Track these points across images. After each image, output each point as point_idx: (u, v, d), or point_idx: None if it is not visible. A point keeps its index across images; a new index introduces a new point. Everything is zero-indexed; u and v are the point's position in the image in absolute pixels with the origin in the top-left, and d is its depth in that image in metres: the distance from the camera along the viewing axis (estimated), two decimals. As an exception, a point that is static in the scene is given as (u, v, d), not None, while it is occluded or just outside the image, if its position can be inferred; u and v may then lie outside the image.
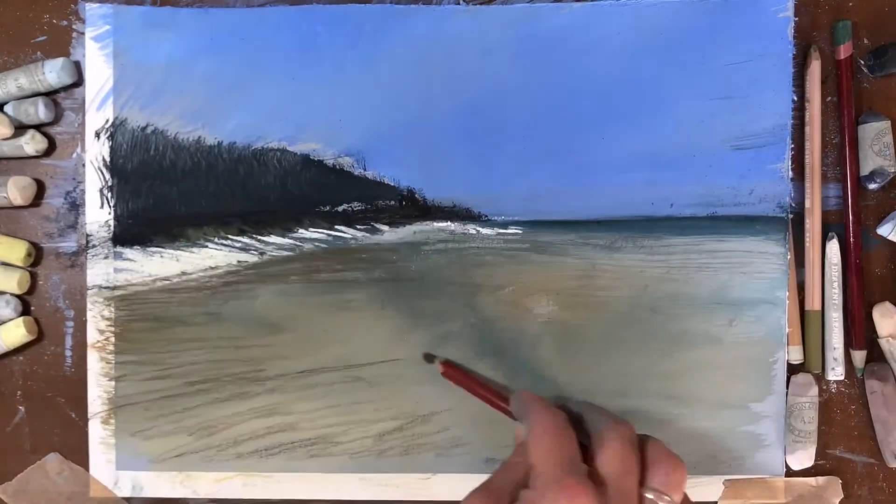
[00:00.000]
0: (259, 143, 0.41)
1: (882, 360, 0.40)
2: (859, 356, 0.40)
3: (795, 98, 0.40)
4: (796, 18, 0.40)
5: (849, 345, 0.40)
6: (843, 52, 0.39)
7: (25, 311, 0.42)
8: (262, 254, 0.41)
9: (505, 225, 0.41)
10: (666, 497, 0.31)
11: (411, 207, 0.41)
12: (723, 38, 0.40)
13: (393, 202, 0.41)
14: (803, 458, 0.40)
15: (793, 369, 0.41)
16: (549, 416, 0.33)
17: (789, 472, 0.41)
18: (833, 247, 0.40)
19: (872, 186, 0.40)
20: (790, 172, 0.40)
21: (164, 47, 0.41)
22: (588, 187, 0.40)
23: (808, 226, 0.40)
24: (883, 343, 0.40)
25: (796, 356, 0.40)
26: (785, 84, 0.40)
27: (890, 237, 0.39)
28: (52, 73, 0.40)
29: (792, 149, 0.40)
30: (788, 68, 0.40)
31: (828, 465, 0.41)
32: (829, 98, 0.40)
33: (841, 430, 0.41)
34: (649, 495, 0.31)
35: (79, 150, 0.42)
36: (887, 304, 0.40)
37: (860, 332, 0.40)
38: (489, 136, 0.40)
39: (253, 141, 0.41)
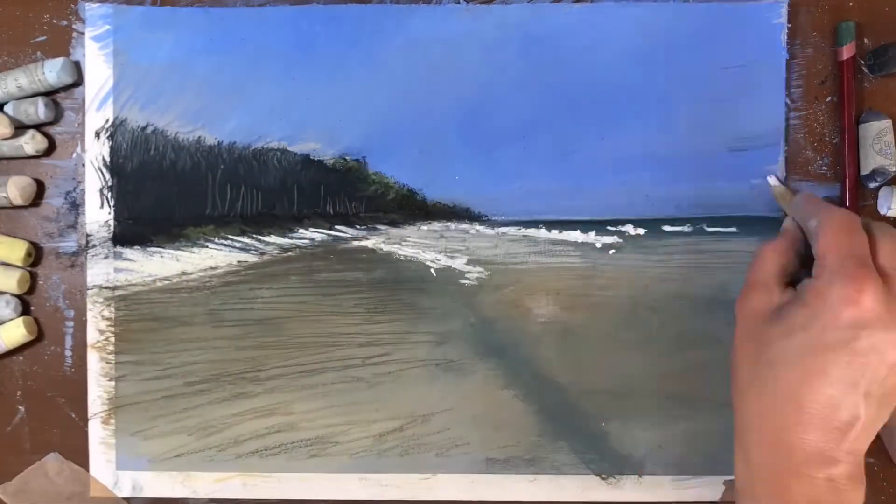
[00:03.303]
0: (259, 143, 0.41)
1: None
2: None
3: (794, 98, 0.40)
4: (795, 21, 0.40)
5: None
6: (846, 52, 0.40)
7: (25, 311, 0.42)
8: (262, 254, 0.41)
9: (505, 225, 0.41)
10: None
11: (411, 207, 0.41)
12: (719, 42, 0.40)
13: (393, 202, 0.41)
14: None
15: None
16: (845, 214, 0.32)
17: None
18: None
19: (873, 185, 0.40)
20: (785, 174, 0.40)
21: (164, 47, 0.41)
22: (587, 187, 0.40)
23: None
24: None
25: None
26: (779, 88, 0.40)
27: (893, 213, 0.39)
28: (52, 73, 0.40)
29: (786, 150, 0.40)
30: (782, 73, 0.40)
31: (828, 465, 0.41)
32: (829, 98, 0.41)
33: (841, 430, 0.41)
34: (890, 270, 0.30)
35: (79, 150, 0.42)
36: None
37: None
38: (489, 136, 0.40)
39: (253, 141, 0.41)
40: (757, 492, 0.32)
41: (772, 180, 0.39)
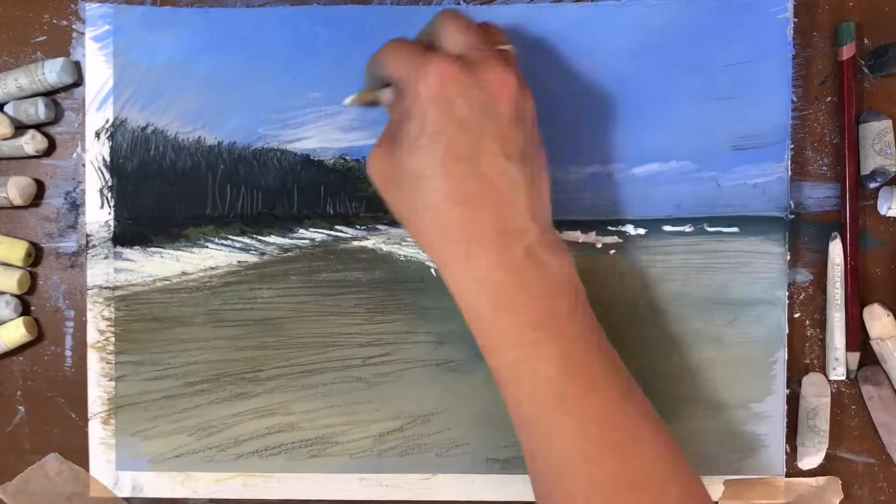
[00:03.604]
0: (259, 143, 0.41)
1: (875, 362, 0.40)
2: (852, 358, 0.40)
3: (794, 98, 0.40)
4: (796, 19, 0.40)
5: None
6: (846, 52, 0.39)
7: (25, 311, 0.42)
8: (262, 254, 0.41)
9: (505, 225, 0.41)
10: (508, 45, 0.33)
11: (411, 207, 0.41)
12: (723, 38, 0.40)
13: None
14: (818, 459, 0.40)
15: (805, 369, 0.41)
16: (386, 47, 0.34)
17: (790, 473, 0.41)
18: (836, 247, 0.40)
19: (873, 186, 0.40)
20: (790, 173, 0.40)
21: (164, 47, 0.41)
22: (588, 187, 0.40)
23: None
24: (874, 345, 0.40)
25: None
26: (784, 85, 0.40)
27: (893, 213, 0.39)
28: (52, 73, 0.40)
29: (791, 149, 0.40)
30: (788, 69, 0.40)
31: (828, 465, 0.41)
32: (830, 98, 0.40)
33: (842, 431, 0.41)
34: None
35: (79, 150, 0.42)
36: (876, 307, 0.40)
37: (854, 333, 0.40)
38: (489, 136, 0.40)
39: (253, 141, 0.41)
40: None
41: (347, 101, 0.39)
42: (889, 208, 0.39)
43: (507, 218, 0.31)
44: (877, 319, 0.39)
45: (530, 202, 0.32)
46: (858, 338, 0.40)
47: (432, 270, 0.41)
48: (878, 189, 0.40)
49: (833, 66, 0.40)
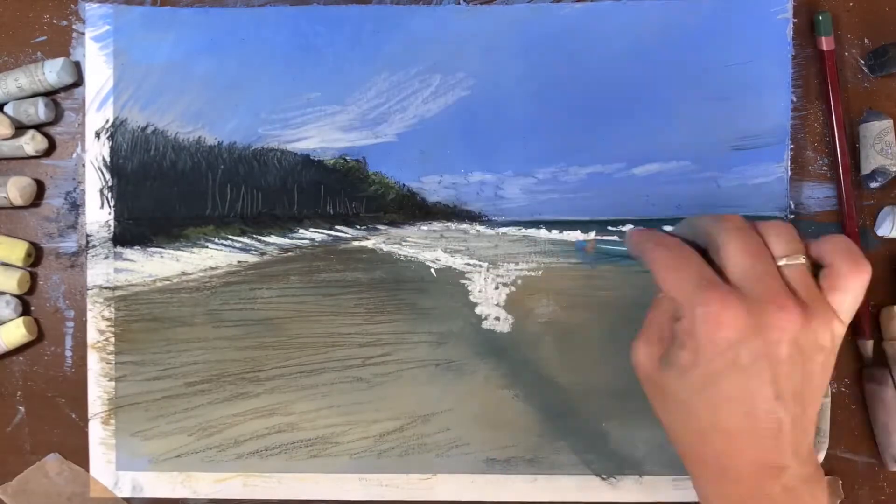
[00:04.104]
0: (259, 143, 0.41)
1: (880, 364, 0.40)
2: (866, 345, 0.40)
3: (794, 98, 0.40)
4: (795, 20, 0.40)
5: (854, 336, 0.40)
6: (826, 44, 0.39)
7: (25, 311, 0.42)
8: (262, 254, 0.41)
9: (505, 225, 0.41)
10: (799, 258, 0.31)
11: (411, 207, 0.41)
12: (722, 39, 0.40)
13: (393, 202, 0.41)
14: (818, 459, 0.40)
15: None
16: (663, 249, 0.32)
17: (789, 473, 0.41)
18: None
19: (874, 185, 0.40)
20: (789, 173, 0.40)
21: (164, 47, 0.41)
22: (588, 187, 0.40)
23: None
24: (887, 346, 0.40)
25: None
26: (784, 85, 0.40)
27: (892, 234, 0.39)
28: (52, 73, 0.40)
29: (791, 149, 0.40)
30: (788, 69, 0.40)
31: (828, 465, 0.41)
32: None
33: (842, 431, 0.41)
34: (781, 263, 0.31)
35: (79, 150, 0.42)
36: (895, 309, 0.40)
37: (867, 321, 0.40)
38: (489, 136, 0.40)
39: (253, 141, 0.41)
40: None
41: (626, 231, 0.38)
42: (892, 230, 0.39)
43: (767, 452, 0.30)
44: (894, 320, 0.39)
45: (794, 438, 0.30)
46: (871, 326, 0.40)
47: (432, 271, 0.41)
48: (878, 188, 0.40)
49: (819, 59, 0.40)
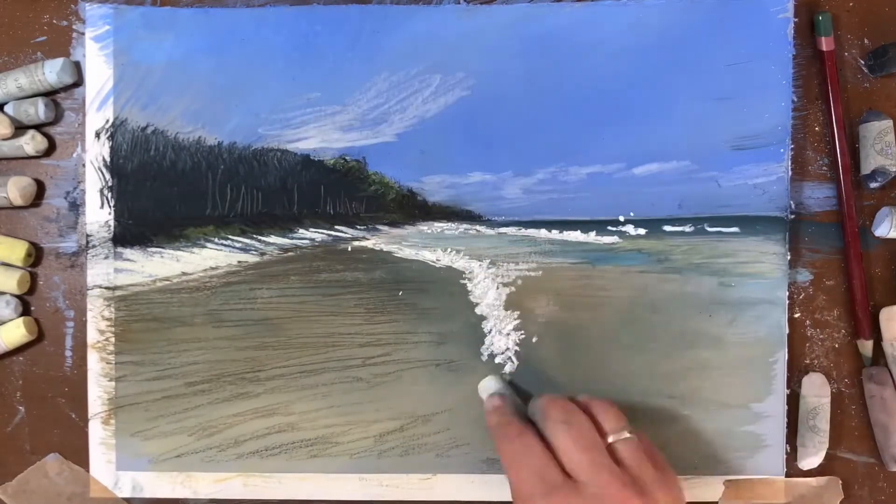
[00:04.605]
0: (259, 143, 0.41)
1: (880, 364, 0.40)
2: (866, 345, 0.40)
3: (795, 98, 0.40)
4: (796, 19, 0.40)
5: (854, 336, 0.40)
6: (826, 44, 0.39)
7: (25, 311, 0.42)
8: (262, 254, 0.41)
9: (505, 225, 0.41)
10: (625, 434, 0.34)
11: (411, 207, 0.41)
12: (723, 38, 0.40)
13: (393, 202, 0.41)
14: (818, 459, 0.40)
15: (805, 369, 0.41)
16: (506, 442, 0.35)
17: (790, 473, 0.41)
18: None
19: (874, 185, 0.40)
20: (790, 172, 0.40)
21: (164, 47, 0.41)
22: (587, 187, 0.40)
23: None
24: (886, 346, 0.40)
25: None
26: (785, 84, 0.40)
27: (889, 235, 0.39)
28: (52, 73, 0.40)
29: (792, 149, 0.40)
30: (788, 69, 0.40)
31: (828, 465, 0.41)
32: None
33: (842, 431, 0.41)
34: (611, 440, 0.34)
35: (79, 150, 0.42)
36: (895, 309, 0.40)
37: (866, 321, 0.40)
38: (489, 136, 0.40)
39: (253, 141, 0.41)
40: None
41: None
42: (890, 230, 0.39)
43: None
44: (894, 321, 0.39)
45: None
46: (871, 326, 0.40)
47: (432, 271, 0.41)
48: (878, 188, 0.40)
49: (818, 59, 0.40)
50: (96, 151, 0.41)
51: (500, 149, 0.40)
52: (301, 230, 0.41)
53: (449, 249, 0.41)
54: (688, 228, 0.40)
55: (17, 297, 0.42)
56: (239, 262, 0.41)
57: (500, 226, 0.41)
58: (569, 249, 0.41)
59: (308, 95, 0.41)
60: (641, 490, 0.32)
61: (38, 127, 0.42)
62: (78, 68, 0.41)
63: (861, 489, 0.41)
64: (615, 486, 0.32)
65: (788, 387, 0.40)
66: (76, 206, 0.42)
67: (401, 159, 0.41)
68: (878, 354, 0.40)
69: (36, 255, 0.42)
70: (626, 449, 0.34)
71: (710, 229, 0.40)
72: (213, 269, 0.41)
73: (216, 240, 0.41)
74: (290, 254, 0.41)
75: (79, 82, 0.42)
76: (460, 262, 0.41)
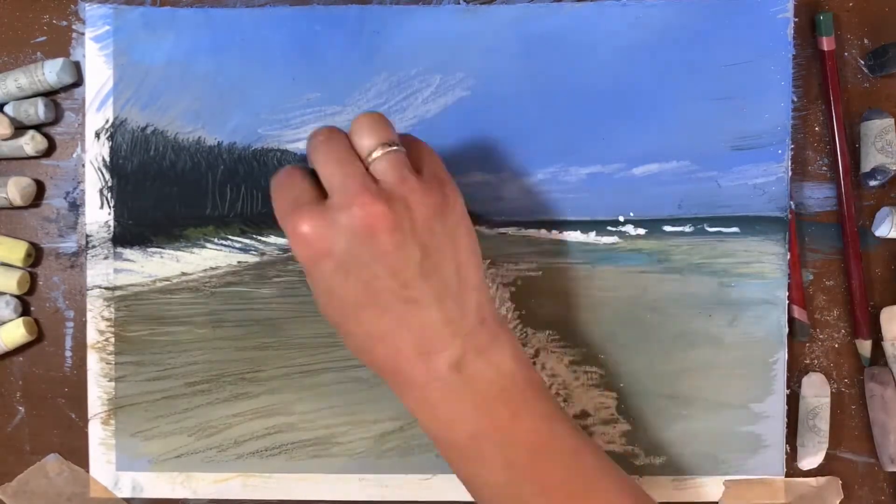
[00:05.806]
0: (259, 143, 0.41)
1: (880, 364, 0.40)
2: (865, 345, 0.40)
3: (795, 98, 0.40)
4: (796, 19, 0.40)
5: (853, 336, 0.41)
6: (826, 44, 0.40)
7: (25, 311, 0.42)
8: (262, 254, 0.41)
9: (505, 225, 0.41)
10: (390, 149, 0.31)
11: (411, 207, 0.41)
12: (723, 38, 0.40)
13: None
14: (818, 459, 0.40)
15: (805, 369, 0.41)
16: (277, 176, 0.33)
17: (790, 473, 0.41)
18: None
19: (874, 183, 0.40)
20: (790, 173, 0.40)
21: (164, 47, 0.41)
22: (587, 187, 0.40)
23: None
24: (886, 346, 0.40)
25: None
26: (785, 85, 0.40)
27: (889, 235, 0.39)
28: (52, 73, 0.40)
29: (792, 149, 0.40)
30: (788, 69, 0.40)
31: (828, 465, 0.41)
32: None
33: (841, 431, 0.41)
34: (374, 155, 0.31)
35: (79, 150, 0.42)
36: (894, 309, 0.40)
37: (865, 321, 0.40)
38: (489, 137, 0.40)
39: (253, 141, 0.41)
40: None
41: None
42: (891, 230, 0.39)
43: (424, 339, 0.31)
44: (895, 321, 0.39)
45: (445, 314, 0.31)
46: (870, 326, 0.40)
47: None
48: (878, 187, 0.40)
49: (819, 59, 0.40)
50: (96, 151, 0.41)
51: (500, 149, 0.40)
52: (301, 230, 0.41)
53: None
54: (688, 228, 0.40)
55: (17, 297, 0.42)
56: (239, 262, 0.41)
57: (500, 226, 0.41)
58: (569, 249, 0.41)
59: (308, 95, 0.41)
60: (389, 197, 0.30)
61: (37, 127, 0.42)
62: (78, 68, 0.41)
63: (861, 489, 0.41)
64: (363, 197, 0.29)
65: (788, 387, 0.40)
66: (76, 207, 0.42)
67: (401, 159, 0.41)
68: (877, 354, 0.40)
69: (36, 256, 0.42)
70: (386, 161, 0.31)
71: (710, 229, 0.40)
72: (212, 269, 0.41)
73: (216, 240, 0.41)
74: (290, 254, 0.41)
75: (79, 82, 0.42)
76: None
